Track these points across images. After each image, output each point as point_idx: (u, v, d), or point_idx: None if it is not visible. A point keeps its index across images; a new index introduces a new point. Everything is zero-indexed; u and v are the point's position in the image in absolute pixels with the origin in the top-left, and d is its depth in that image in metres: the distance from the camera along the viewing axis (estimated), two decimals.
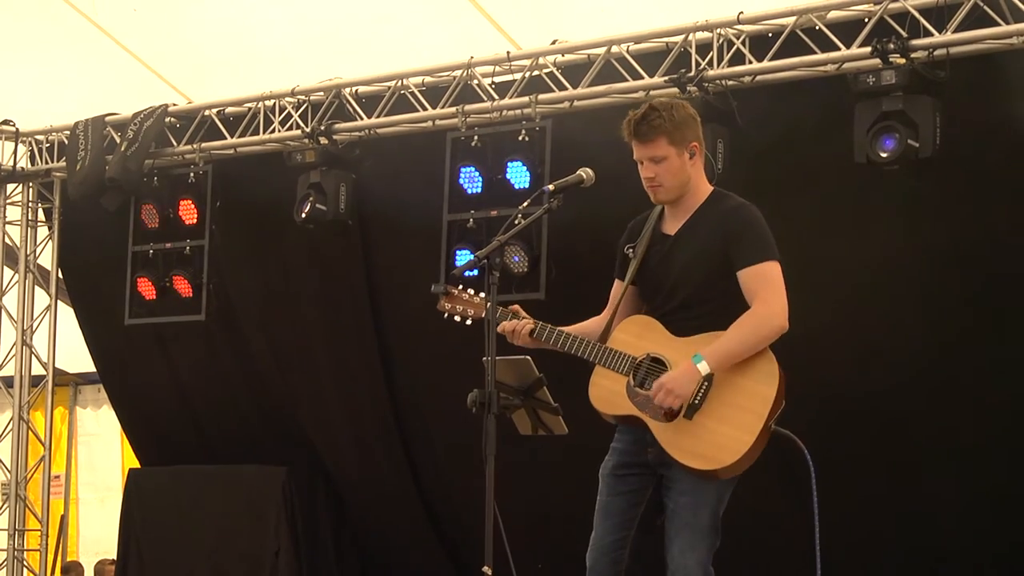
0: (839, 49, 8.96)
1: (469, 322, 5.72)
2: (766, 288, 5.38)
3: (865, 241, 9.10)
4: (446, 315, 5.87)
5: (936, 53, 8.66)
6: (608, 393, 5.55)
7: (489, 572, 5.22)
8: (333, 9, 10.75)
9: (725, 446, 5.31)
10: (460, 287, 5.83)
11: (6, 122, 12.68)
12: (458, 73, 10.34)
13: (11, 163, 12.89)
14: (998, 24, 8.48)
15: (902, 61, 8.63)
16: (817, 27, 9.05)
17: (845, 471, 8.96)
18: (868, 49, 8.76)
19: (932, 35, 8.65)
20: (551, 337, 5.60)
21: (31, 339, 13.17)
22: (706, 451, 5.33)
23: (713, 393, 5.34)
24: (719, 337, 5.36)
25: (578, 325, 5.76)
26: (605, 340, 5.60)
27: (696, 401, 5.34)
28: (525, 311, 5.80)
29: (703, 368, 5.31)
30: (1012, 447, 8.74)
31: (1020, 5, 8.41)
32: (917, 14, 8.69)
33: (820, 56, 9.05)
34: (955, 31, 8.59)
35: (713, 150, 8.71)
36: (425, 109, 10.54)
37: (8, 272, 13.14)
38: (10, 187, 13.02)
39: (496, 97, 10.24)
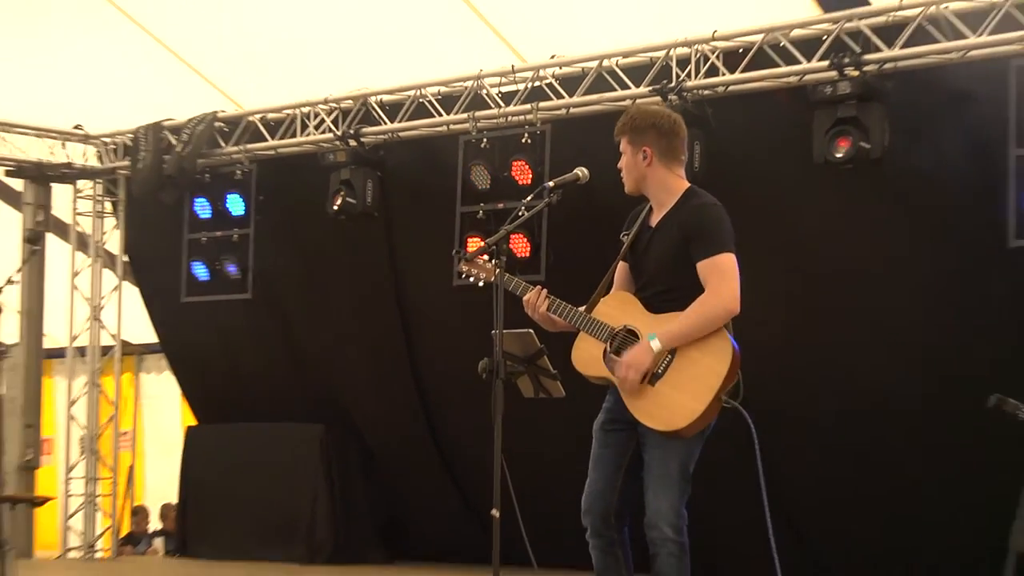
0: (801, 63, 9.00)
1: (482, 284, 5.69)
2: (717, 277, 5.31)
3: (821, 232, 9.15)
4: (464, 275, 5.83)
5: (886, 67, 8.71)
6: (588, 356, 5.51)
7: (497, 514, 5.25)
8: (360, 25, 10.79)
9: (678, 412, 5.27)
10: (475, 255, 5.82)
11: (77, 127, 12.76)
12: (469, 83, 10.37)
13: (82, 162, 12.98)
14: (939, 41, 8.53)
15: (856, 73, 8.67)
16: (782, 43, 9.07)
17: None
18: (826, 63, 8.81)
19: (882, 51, 8.69)
20: (555, 307, 5.61)
21: (101, 315, 13.25)
22: (661, 414, 5.30)
23: (674, 364, 5.30)
24: (674, 327, 5.40)
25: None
26: (591, 309, 5.61)
27: (659, 371, 5.31)
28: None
29: (655, 345, 5.28)
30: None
31: (959, 24, 8.45)
32: (869, 32, 8.74)
33: (784, 69, 9.08)
34: (902, 47, 8.63)
35: (691, 151, 8.72)
36: (441, 115, 10.57)
37: (80, 257, 13.21)
38: (81, 183, 13.08)
39: (502, 104, 10.27)
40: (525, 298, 5.60)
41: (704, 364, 5.30)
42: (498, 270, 5.57)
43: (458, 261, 5.85)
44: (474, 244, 9.70)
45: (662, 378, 5.32)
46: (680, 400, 5.29)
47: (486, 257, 5.75)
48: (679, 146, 5.61)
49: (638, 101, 9.24)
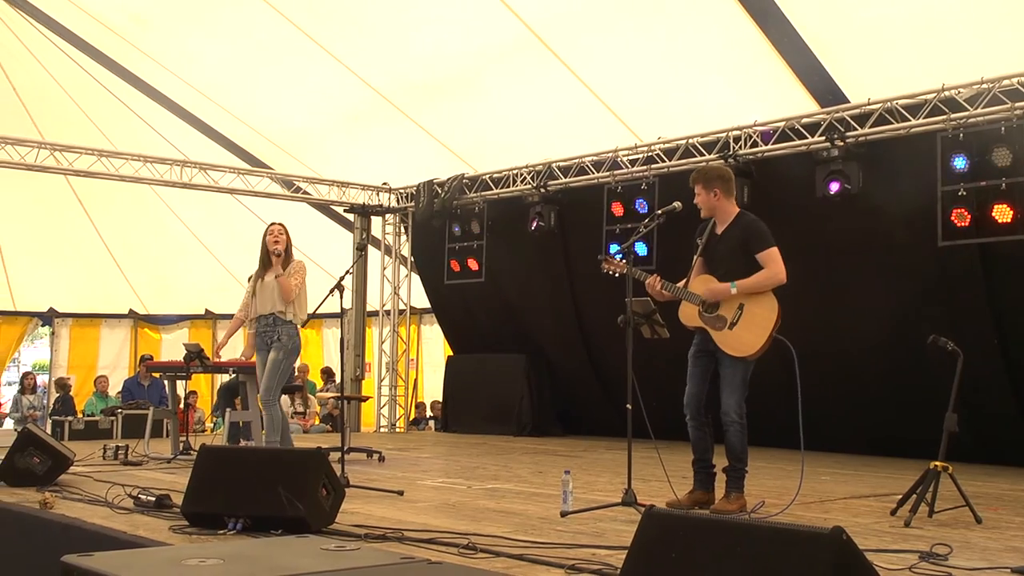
0: (807, 138, 8.89)
1: (617, 275, 5.53)
2: (772, 261, 5.24)
3: (818, 233, 9.00)
4: (606, 270, 5.54)
5: (860, 139, 8.56)
6: (689, 313, 5.37)
7: (630, 407, 5.09)
8: (544, 121, 10.75)
9: (747, 344, 5.20)
10: (613, 256, 5.73)
11: (385, 183, 13.04)
12: (609, 155, 10.38)
13: (388, 204, 13.24)
14: (892, 123, 8.37)
15: (841, 143, 8.56)
16: (796, 127, 8.98)
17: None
18: (823, 138, 8.71)
19: (856, 129, 8.56)
20: (666, 286, 5.57)
21: (399, 291, 13.50)
22: (737, 346, 5.21)
23: (743, 317, 5.18)
24: (746, 279, 5.28)
25: (681, 282, 5.67)
26: (687, 287, 5.56)
27: (735, 321, 5.24)
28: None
29: (733, 288, 5.24)
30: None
31: (905, 112, 8.28)
32: (849, 118, 8.61)
33: (798, 142, 8.97)
34: (870, 127, 8.49)
35: (741, 192, 8.70)
36: (594, 173, 10.56)
37: (387, 258, 13.47)
38: (388, 216, 13.33)
39: (630, 167, 10.26)
40: (647, 281, 5.56)
41: (762, 315, 5.20)
42: (628, 265, 5.44)
43: (601, 262, 5.60)
44: (613, 248, 9.62)
45: (736, 325, 5.27)
46: (748, 338, 5.19)
47: (619, 258, 5.53)
48: (733, 188, 5.58)
49: (711, 164, 9.16)
